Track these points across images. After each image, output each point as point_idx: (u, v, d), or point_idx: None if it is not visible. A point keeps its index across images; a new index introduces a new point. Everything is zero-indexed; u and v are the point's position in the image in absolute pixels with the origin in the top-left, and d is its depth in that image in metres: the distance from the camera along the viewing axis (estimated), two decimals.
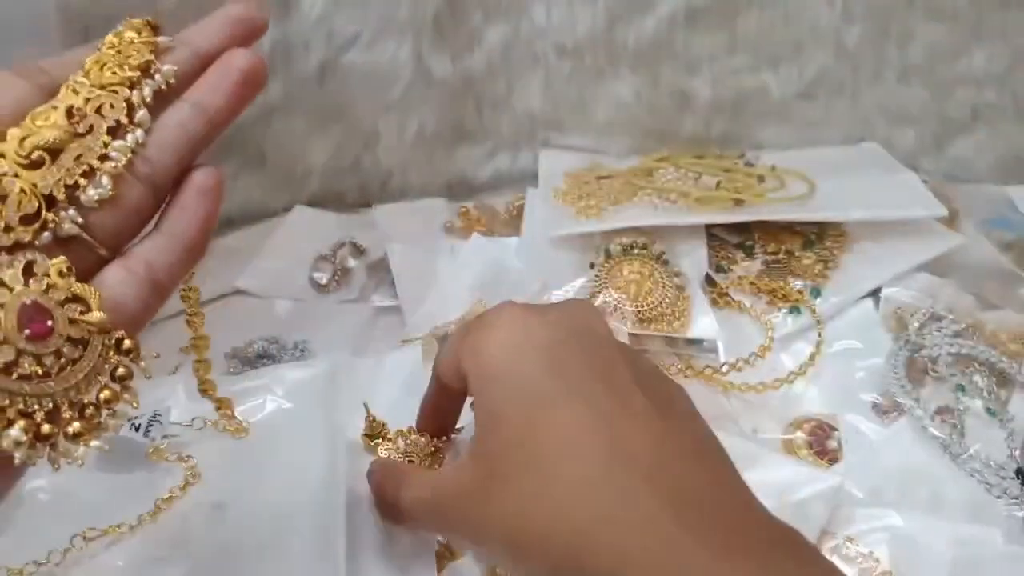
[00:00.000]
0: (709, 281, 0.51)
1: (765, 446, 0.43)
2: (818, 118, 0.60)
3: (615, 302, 0.48)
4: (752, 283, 0.51)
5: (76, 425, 0.24)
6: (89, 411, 0.25)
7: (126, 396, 0.25)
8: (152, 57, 0.28)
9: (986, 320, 0.49)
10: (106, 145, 0.26)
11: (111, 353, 0.25)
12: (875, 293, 0.50)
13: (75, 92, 0.27)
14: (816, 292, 0.51)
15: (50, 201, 0.25)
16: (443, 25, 0.54)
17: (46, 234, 0.25)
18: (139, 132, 0.27)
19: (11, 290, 0.24)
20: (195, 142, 0.27)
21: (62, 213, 0.25)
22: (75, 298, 0.25)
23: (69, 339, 0.24)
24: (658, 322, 0.47)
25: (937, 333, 0.47)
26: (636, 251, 0.51)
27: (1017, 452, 0.43)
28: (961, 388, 0.46)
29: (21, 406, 0.23)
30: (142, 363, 0.26)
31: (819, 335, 0.49)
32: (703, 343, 0.48)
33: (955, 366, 0.47)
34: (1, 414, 0.23)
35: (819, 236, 0.53)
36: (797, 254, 0.53)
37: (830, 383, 0.47)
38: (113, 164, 0.26)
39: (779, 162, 0.57)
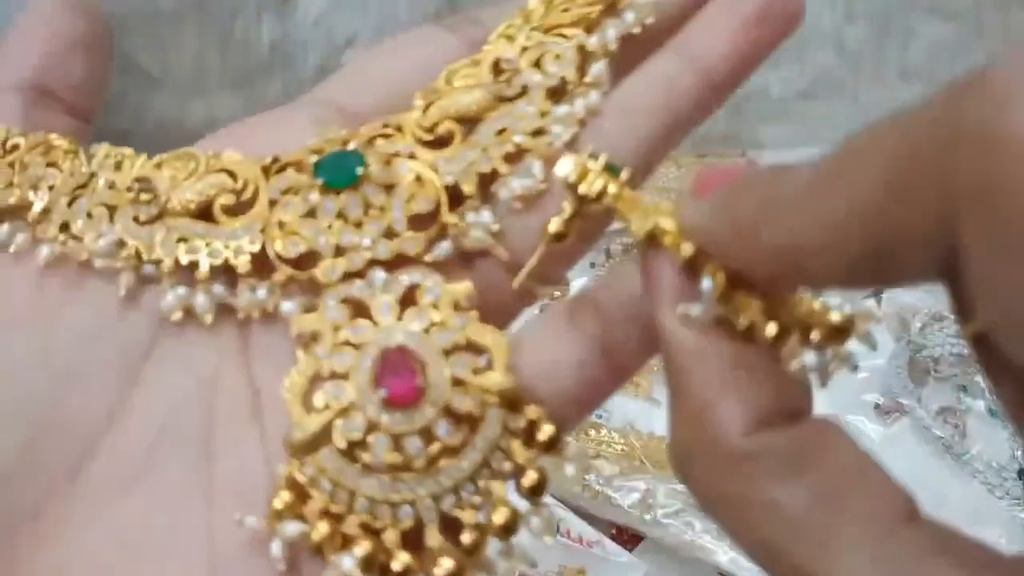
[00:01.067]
0: None
1: None
2: (819, 117, 0.60)
3: None
4: None
5: (448, 564, 0.15)
6: (469, 537, 0.15)
7: (536, 521, 0.16)
8: None
9: None
10: (544, 114, 0.18)
11: (515, 444, 0.16)
12: (877, 293, 0.50)
13: (509, 38, 0.19)
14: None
15: (455, 196, 0.18)
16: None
17: (444, 245, 0.17)
18: (593, 95, 0.18)
19: (376, 324, 0.17)
20: (680, 113, 0.18)
21: (470, 216, 0.17)
22: (470, 346, 0.16)
23: (449, 412, 0.16)
24: None
25: (939, 333, 0.47)
26: (637, 251, 0.51)
27: (1020, 453, 0.43)
28: (963, 388, 0.46)
29: (366, 517, 0.15)
30: (569, 465, 0.16)
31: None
32: None
33: (957, 366, 0.46)
34: (333, 525, 0.15)
35: None
36: None
37: (832, 383, 0.46)
38: (550, 142, 0.18)
39: (780, 162, 0.56)
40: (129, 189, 0.18)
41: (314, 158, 0.18)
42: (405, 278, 0.17)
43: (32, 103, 0.21)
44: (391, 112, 0.19)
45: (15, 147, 0.19)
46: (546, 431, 0.16)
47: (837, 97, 0.59)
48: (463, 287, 0.17)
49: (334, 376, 0.16)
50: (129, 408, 0.18)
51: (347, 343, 0.17)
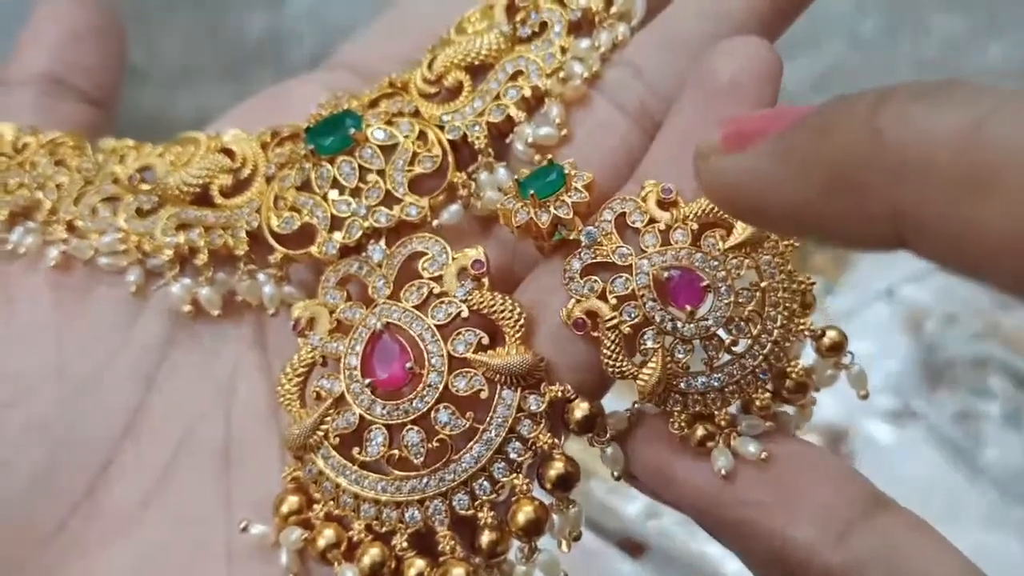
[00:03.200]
0: None
1: None
2: None
3: None
4: None
5: (459, 573, 0.13)
6: (489, 539, 0.14)
7: (558, 520, 0.14)
8: None
9: (1003, 321, 0.48)
10: (563, 51, 0.16)
11: (537, 428, 0.14)
12: (890, 294, 0.49)
13: None
14: (829, 290, 0.50)
15: (466, 153, 0.16)
16: None
17: (452, 208, 0.16)
18: (621, 28, 0.16)
19: (371, 305, 0.15)
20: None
21: (483, 175, 0.15)
22: (475, 319, 0.15)
23: (449, 396, 0.14)
24: None
25: (953, 335, 0.47)
26: None
27: None
28: (978, 392, 0.45)
29: (371, 519, 0.14)
30: (609, 449, 0.14)
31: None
32: None
33: (972, 369, 0.46)
34: (338, 530, 0.14)
35: None
36: (809, 252, 0.52)
37: (843, 387, 0.46)
38: (573, 83, 0.15)
39: None
40: (130, 180, 0.18)
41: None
42: (404, 249, 0.15)
43: (46, 94, 0.20)
44: (405, 68, 0.18)
45: (25, 147, 0.19)
46: (581, 409, 0.14)
47: (850, 90, 0.59)
48: (472, 252, 0.14)
49: (329, 365, 0.15)
50: (147, 416, 0.17)
51: (340, 326, 0.15)
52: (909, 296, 0.49)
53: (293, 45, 0.53)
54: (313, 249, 0.16)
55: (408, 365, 0.14)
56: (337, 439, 0.14)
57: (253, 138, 0.18)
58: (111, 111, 0.22)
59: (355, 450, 0.14)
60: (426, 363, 0.14)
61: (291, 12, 0.52)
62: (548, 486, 0.14)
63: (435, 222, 0.16)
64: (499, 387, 0.14)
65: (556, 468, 0.14)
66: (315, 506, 0.15)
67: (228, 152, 0.18)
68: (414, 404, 0.14)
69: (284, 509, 0.15)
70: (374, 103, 0.17)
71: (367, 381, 0.14)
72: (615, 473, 0.15)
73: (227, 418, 0.17)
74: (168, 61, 0.40)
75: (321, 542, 0.14)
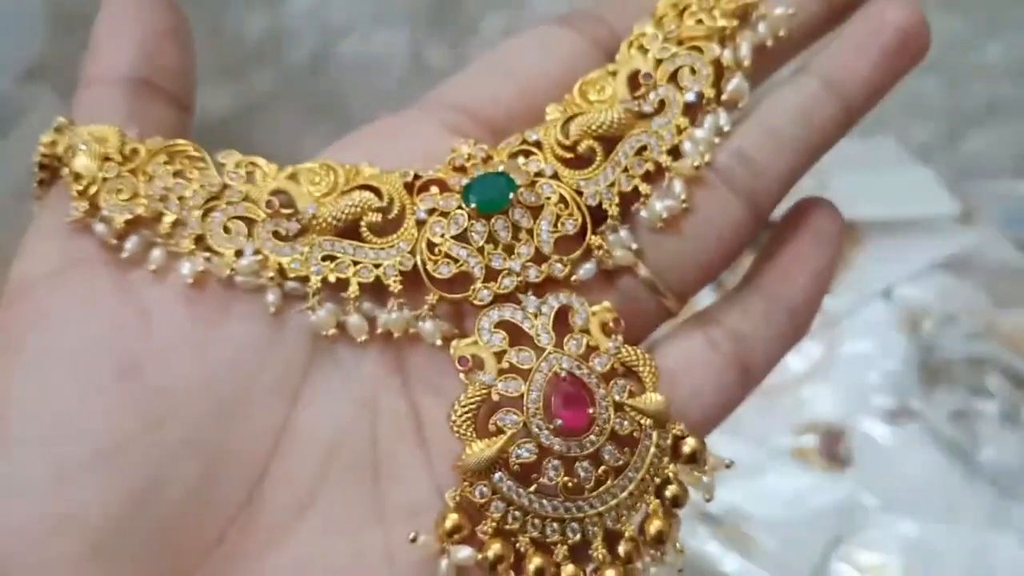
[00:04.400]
0: (716, 281, 0.51)
1: (774, 452, 0.42)
2: None
3: None
4: None
5: (611, 574, 0.16)
6: (625, 549, 0.17)
7: (673, 531, 0.17)
8: None
9: (1002, 321, 0.48)
10: (680, 131, 0.18)
11: (664, 460, 0.17)
12: (888, 293, 0.50)
13: (642, 50, 0.18)
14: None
15: (598, 216, 0.18)
16: (440, 13, 0.54)
17: (588, 266, 0.18)
18: (723, 116, 0.18)
19: (540, 352, 0.17)
20: (818, 139, 0.18)
21: (611, 236, 0.18)
22: (624, 370, 0.17)
23: (613, 435, 0.17)
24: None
25: (951, 334, 0.47)
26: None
27: None
28: (975, 391, 0.45)
29: (536, 533, 0.17)
30: (705, 477, 0.17)
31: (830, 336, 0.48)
32: None
33: (969, 369, 0.46)
34: (505, 542, 0.16)
35: None
36: None
37: (841, 386, 0.46)
38: (691, 162, 0.18)
39: None
40: (268, 204, 0.18)
41: (458, 177, 0.18)
42: (553, 301, 0.18)
43: (136, 96, 0.20)
44: (523, 118, 0.19)
45: (134, 152, 0.19)
46: (690, 444, 0.17)
47: None
48: (604, 308, 0.18)
49: (503, 402, 0.17)
50: (293, 431, 0.18)
51: (513, 368, 0.17)
52: (907, 296, 0.49)
53: (293, 45, 0.53)
54: (470, 295, 0.18)
55: (590, 411, 0.17)
56: (517, 467, 0.17)
57: (394, 176, 0.19)
58: (193, 115, 0.22)
59: (532, 476, 0.17)
60: (597, 406, 0.17)
61: (291, 12, 0.52)
62: (667, 505, 0.17)
63: (573, 277, 0.18)
64: (644, 427, 0.17)
65: (673, 490, 0.17)
66: (482, 524, 0.17)
67: (374, 189, 0.19)
68: (589, 439, 0.17)
69: (447, 525, 0.17)
70: (510, 157, 0.19)
71: (558, 422, 0.17)
72: (707, 497, 0.18)
73: (372, 435, 0.18)
74: None
75: (491, 553, 0.16)
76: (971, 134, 0.61)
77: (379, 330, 0.18)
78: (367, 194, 0.18)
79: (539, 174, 0.18)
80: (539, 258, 0.18)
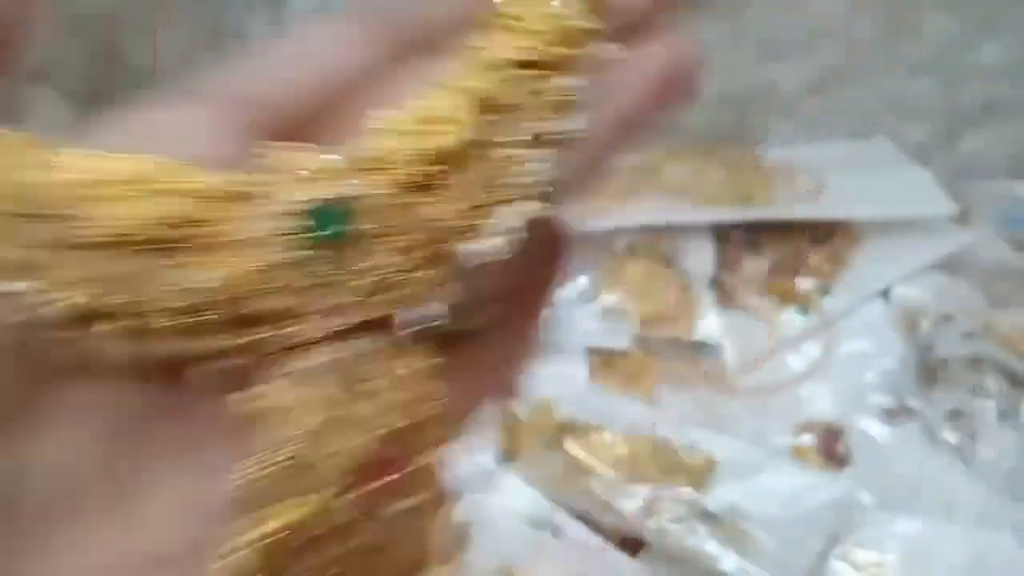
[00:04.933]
0: (715, 281, 0.51)
1: (772, 451, 0.42)
2: (827, 112, 0.60)
3: (618, 303, 0.48)
4: (759, 283, 0.51)
5: None
6: None
7: None
8: None
9: (999, 320, 0.48)
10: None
11: None
12: (886, 293, 0.50)
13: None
14: (825, 290, 0.50)
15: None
16: None
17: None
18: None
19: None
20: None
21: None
22: None
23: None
24: (662, 324, 0.47)
25: (948, 334, 0.47)
26: (640, 250, 0.51)
27: None
28: (973, 390, 0.45)
29: None
30: None
31: (827, 336, 0.48)
32: (709, 345, 0.47)
33: (967, 368, 0.46)
34: None
35: (828, 233, 0.53)
36: (805, 252, 0.52)
37: (839, 386, 0.46)
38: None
39: (788, 157, 0.56)
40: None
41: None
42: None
43: None
44: (323, 107, 0.16)
45: None
46: None
47: (845, 91, 0.59)
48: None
49: None
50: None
51: None
52: (904, 296, 0.49)
53: None
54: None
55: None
56: None
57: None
58: None
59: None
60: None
61: (292, 12, 0.52)
62: None
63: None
64: None
65: None
66: None
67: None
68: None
69: None
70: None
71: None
72: None
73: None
74: (168, 61, 0.40)
75: None
76: (968, 134, 0.61)
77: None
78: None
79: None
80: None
